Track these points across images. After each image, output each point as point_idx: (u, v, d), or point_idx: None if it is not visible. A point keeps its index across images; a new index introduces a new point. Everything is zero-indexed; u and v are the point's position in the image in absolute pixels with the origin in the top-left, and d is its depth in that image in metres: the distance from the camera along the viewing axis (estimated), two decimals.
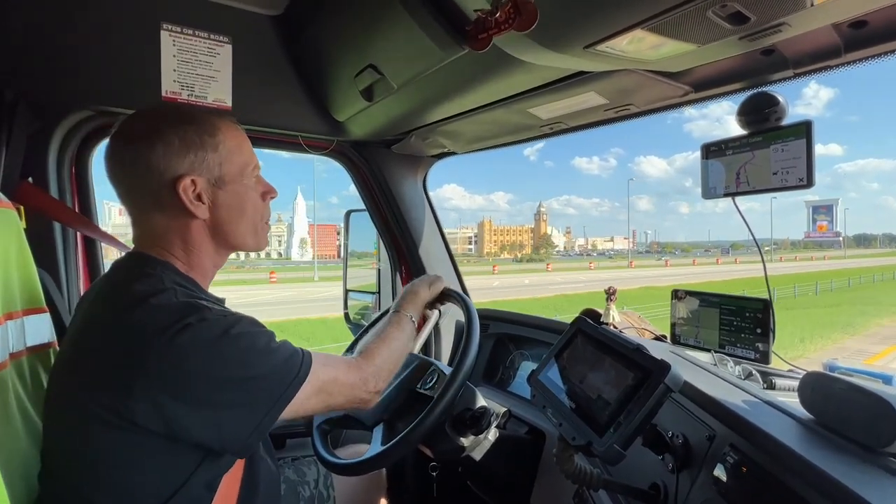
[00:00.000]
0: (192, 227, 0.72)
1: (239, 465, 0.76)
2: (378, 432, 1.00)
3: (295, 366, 0.68)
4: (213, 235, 0.74)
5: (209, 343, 0.61)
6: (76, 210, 1.21)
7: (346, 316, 2.01)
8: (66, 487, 0.66)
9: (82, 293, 1.23)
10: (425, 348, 1.64)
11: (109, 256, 1.31)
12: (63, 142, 1.14)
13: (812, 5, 0.61)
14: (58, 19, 1.01)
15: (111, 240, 1.22)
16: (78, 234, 1.21)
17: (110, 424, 0.60)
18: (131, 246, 1.14)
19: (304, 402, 0.69)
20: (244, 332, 0.65)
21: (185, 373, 0.60)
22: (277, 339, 0.70)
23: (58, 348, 0.89)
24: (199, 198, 0.70)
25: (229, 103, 1.20)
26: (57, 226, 1.13)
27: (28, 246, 0.87)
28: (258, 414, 0.65)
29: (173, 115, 0.72)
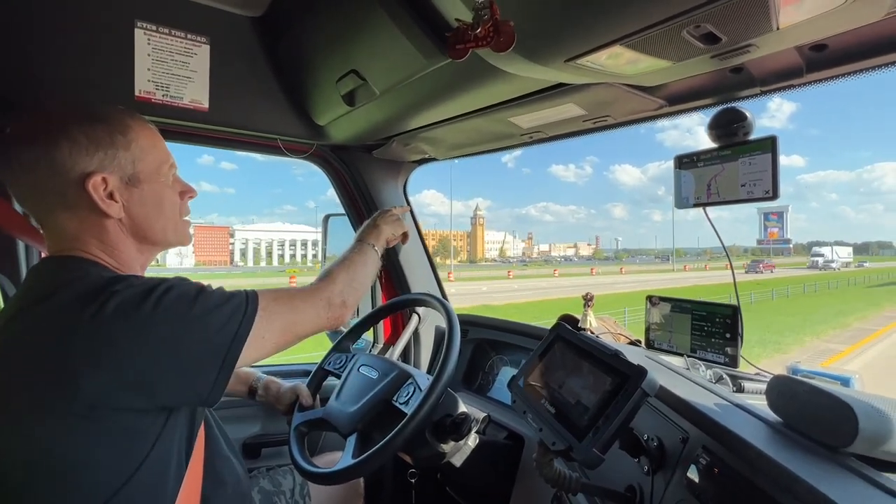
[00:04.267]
0: (107, 226, 0.70)
1: (198, 460, 0.74)
2: (351, 442, 0.98)
3: (241, 302, 0.68)
4: (132, 234, 0.73)
5: (138, 300, 0.60)
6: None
7: None
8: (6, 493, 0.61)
9: None
10: (404, 354, 1.63)
11: None
12: None
13: (777, 28, 0.64)
14: (23, 13, 0.97)
15: None
16: None
17: (55, 413, 0.58)
18: None
19: (265, 332, 0.69)
20: (173, 284, 0.64)
21: (124, 334, 0.59)
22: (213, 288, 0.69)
23: None
24: (111, 196, 0.69)
25: (206, 104, 1.18)
26: None
27: None
28: (218, 353, 0.64)
29: (80, 112, 0.69)
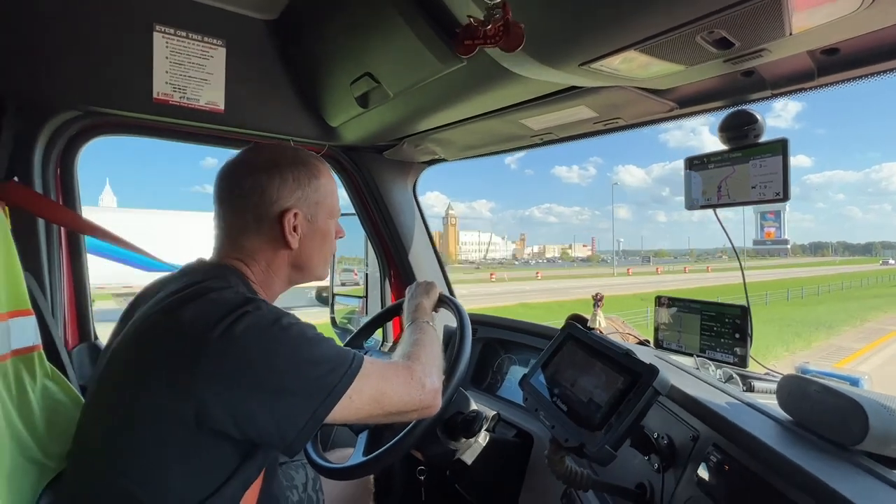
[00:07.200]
0: (279, 253, 0.80)
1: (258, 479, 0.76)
2: (362, 439, 1.00)
3: (347, 359, 0.69)
4: (292, 264, 0.82)
5: (264, 329, 0.65)
6: None
7: (333, 320, 2.01)
8: (104, 483, 0.65)
9: (66, 295, 1.20)
10: None
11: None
12: (49, 142, 1.12)
13: (791, 34, 0.65)
14: (47, 18, 1.00)
15: (102, 233, 1.19)
16: (62, 235, 1.18)
17: (163, 418, 0.61)
18: (124, 238, 1.11)
19: (358, 397, 0.69)
20: (295, 322, 0.69)
21: (244, 360, 0.62)
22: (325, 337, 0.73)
23: (42, 352, 0.87)
24: (294, 229, 0.79)
25: (222, 106, 1.20)
26: (41, 227, 1.10)
27: (14, 247, 0.85)
28: (313, 402, 0.65)
29: (290, 155, 0.82)
